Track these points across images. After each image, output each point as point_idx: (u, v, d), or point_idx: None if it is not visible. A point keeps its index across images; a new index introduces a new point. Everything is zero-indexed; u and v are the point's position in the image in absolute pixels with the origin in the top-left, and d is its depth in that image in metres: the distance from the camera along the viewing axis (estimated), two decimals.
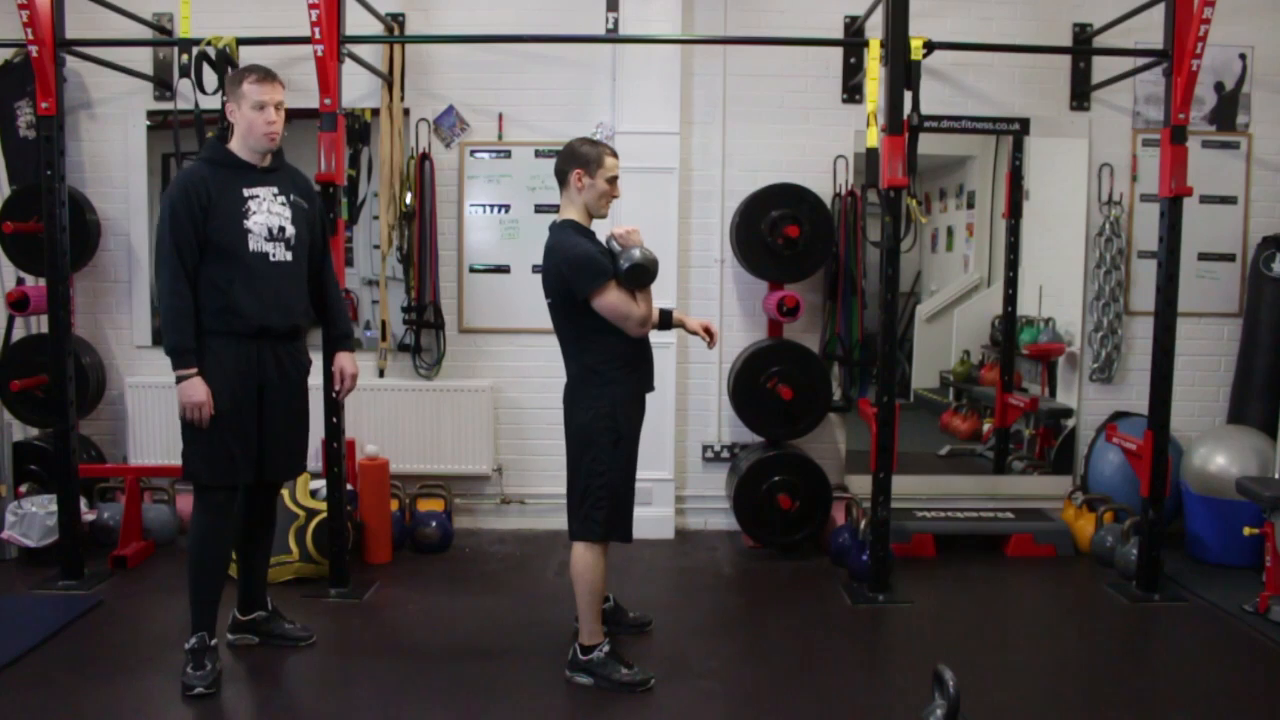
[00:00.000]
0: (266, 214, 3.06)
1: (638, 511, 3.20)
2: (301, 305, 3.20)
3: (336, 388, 3.40)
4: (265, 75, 3.08)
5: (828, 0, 4.63)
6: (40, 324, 4.59)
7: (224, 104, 3.14)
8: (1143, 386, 4.29)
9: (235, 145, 3.09)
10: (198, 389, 2.95)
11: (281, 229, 3.09)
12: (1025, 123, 4.69)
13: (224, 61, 3.80)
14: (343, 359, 3.38)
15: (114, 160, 4.77)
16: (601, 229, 3.17)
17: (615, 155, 3.14)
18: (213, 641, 3.08)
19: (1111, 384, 4.81)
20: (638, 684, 3.08)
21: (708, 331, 3.34)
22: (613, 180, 3.11)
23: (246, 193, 3.05)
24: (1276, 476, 4.07)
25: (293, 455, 3.21)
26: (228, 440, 3.02)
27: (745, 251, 4.51)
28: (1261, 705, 3.08)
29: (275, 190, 3.11)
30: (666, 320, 3.28)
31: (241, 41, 3.90)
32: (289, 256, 3.11)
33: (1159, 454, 3.87)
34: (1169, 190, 3.80)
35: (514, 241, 4.78)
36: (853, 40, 4.55)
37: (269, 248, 3.06)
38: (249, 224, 3.03)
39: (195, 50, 3.79)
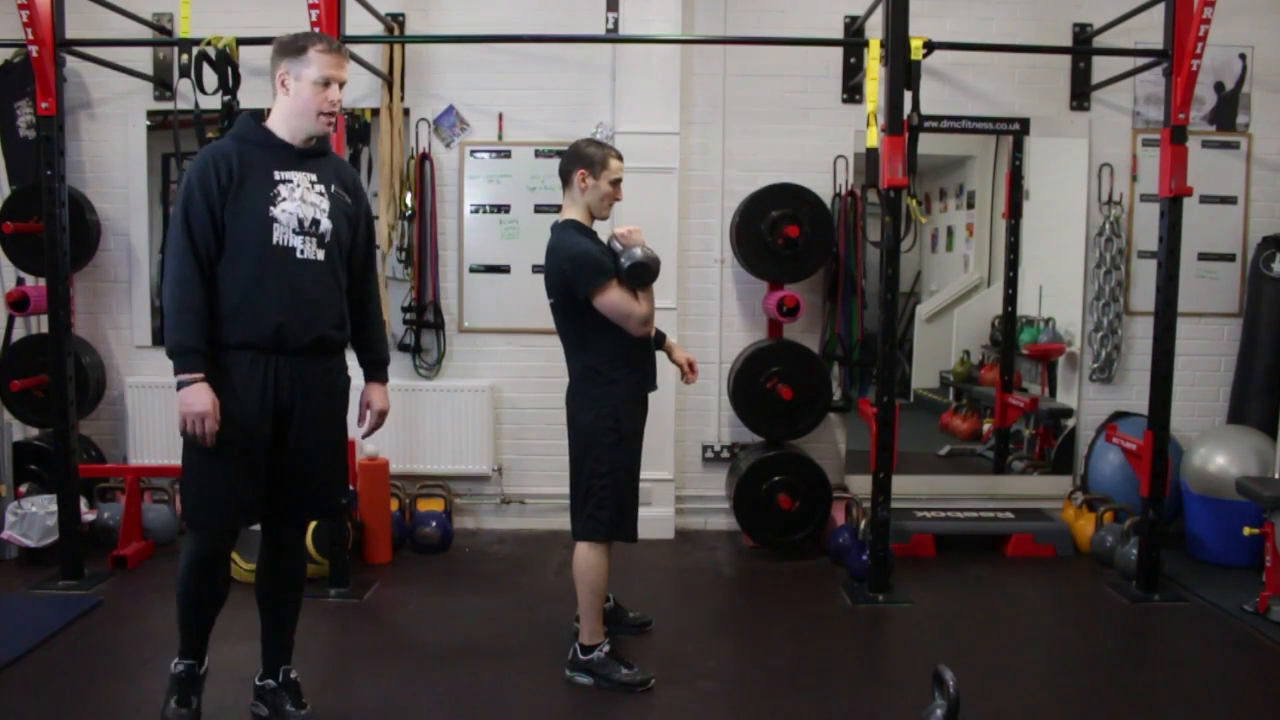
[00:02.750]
0: (299, 203, 2.56)
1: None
2: (332, 315, 2.64)
3: (360, 424, 2.86)
4: (336, 47, 2.60)
5: (828, 0, 4.63)
6: (40, 324, 4.59)
7: (274, 74, 2.62)
8: (1143, 386, 4.30)
9: (274, 123, 2.62)
10: (201, 397, 2.46)
11: (315, 222, 2.58)
12: (1025, 123, 4.68)
13: (224, 62, 3.79)
14: (373, 392, 2.85)
15: (114, 160, 4.77)
16: (603, 230, 3.18)
17: (620, 158, 3.15)
18: (203, 670, 2.74)
19: (1111, 384, 4.81)
20: (638, 684, 3.08)
21: (690, 367, 3.34)
22: (616, 183, 3.12)
23: (278, 175, 2.56)
24: (1276, 476, 4.07)
25: (322, 492, 2.73)
26: (232, 474, 2.55)
27: (745, 251, 4.51)
28: (1261, 705, 3.09)
29: (314, 178, 2.62)
30: (659, 341, 3.31)
31: (241, 41, 3.88)
32: (320, 255, 2.59)
33: (1159, 454, 3.87)
34: (1169, 190, 3.80)
35: (514, 241, 4.77)
36: (853, 40, 4.55)
37: (297, 242, 2.56)
38: (275, 211, 2.53)
39: (195, 50, 3.78)
